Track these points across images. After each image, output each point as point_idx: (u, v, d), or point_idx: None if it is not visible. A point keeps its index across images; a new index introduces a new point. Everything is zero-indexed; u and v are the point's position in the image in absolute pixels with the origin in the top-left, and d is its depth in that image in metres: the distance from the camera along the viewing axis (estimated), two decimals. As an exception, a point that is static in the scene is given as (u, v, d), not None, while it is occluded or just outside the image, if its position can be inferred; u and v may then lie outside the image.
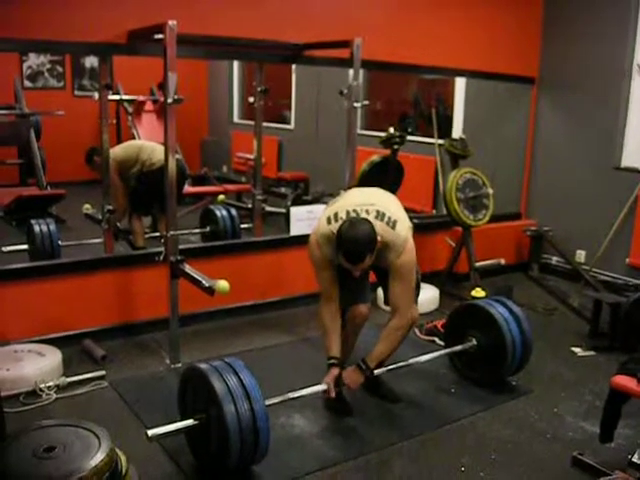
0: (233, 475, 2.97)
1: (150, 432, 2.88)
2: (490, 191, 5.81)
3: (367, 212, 3.37)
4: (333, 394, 3.40)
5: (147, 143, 6.11)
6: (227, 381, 2.85)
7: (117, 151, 5.86)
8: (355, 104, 4.79)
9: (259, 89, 5.59)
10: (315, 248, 3.42)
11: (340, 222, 3.32)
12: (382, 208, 3.40)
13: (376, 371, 3.63)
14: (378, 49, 5.17)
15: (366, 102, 5.01)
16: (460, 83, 7.03)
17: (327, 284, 3.48)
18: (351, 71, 4.73)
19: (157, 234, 6.04)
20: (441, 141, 6.64)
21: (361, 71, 4.81)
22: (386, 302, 3.73)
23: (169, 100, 3.83)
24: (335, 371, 3.42)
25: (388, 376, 3.84)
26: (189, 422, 2.97)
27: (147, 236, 6.12)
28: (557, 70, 6.47)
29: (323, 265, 3.44)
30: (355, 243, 3.18)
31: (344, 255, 3.21)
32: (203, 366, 2.96)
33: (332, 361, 3.44)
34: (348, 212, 3.38)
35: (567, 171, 6.49)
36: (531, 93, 6.66)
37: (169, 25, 3.73)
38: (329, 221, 3.40)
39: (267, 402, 2.98)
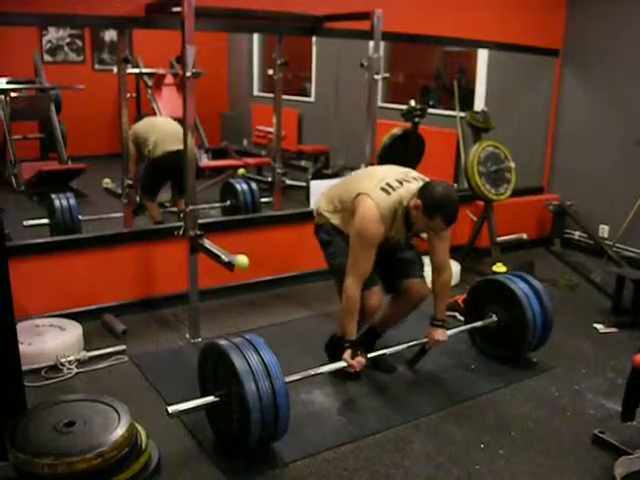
0: (253, 451, 2.98)
1: (170, 409, 2.88)
2: (512, 165, 5.73)
3: (414, 178, 3.42)
4: (358, 367, 3.37)
5: (164, 126, 6.04)
6: (248, 359, 2.84)
7: (139, 123, 6.09)
8: (375, 76, 4.73)
9: (278, 62, 5.55)
10: (377, 224, 3.28)
11: (399, 190, 3.32)
12: (418, 175, 3.48)
13: (396, 348, 3.67)
14: (399, 20, 5.07)
15: (386, 74, 4.96)
16: (483, 55, 6.91)
17: (370, 263, 3.35)
18: (371, 43, 4.66)
19: (175, 209, 6.06)
20: (463, 114, 6.55)
21: (382, 43, 4.74)
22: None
23: (187, 74, 3.80)
24: (350, 351, 3.39)
25: (407, 351, 3.83)
26: (209, 399, 2.98)
27: (166, 210, 6.15)
28: (582, 42, 6.34)
29: (376, 242, 3.33)
30: (456, 203, 3.23)
31: (445, 217, 3.19)
32: (224, 343, 2.96)
33: (348, 344, 3.40)
34: (399, 181, 3.38)
35: (591, 145, 6.39)
36: (555, 65, 6.55)
37: (187, -2, 3.69)
38: (387, 192, 3.32)
39: (287, 379, 2.98)
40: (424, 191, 3.24)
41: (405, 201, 3.30)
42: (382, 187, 3.34)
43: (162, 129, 5.95)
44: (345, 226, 3.52)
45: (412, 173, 3.50)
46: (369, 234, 3.30)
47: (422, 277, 3.73)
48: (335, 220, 3.59)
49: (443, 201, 3.17)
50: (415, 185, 3.34)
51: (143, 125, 6.09)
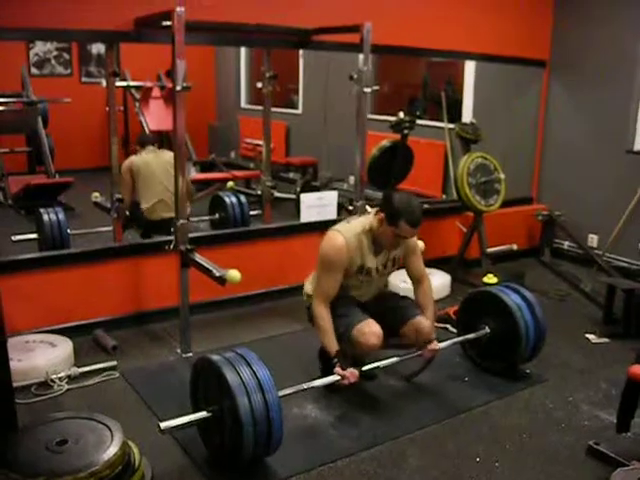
0: (246, 467, 2.95)
1: (162, 425, 2.85)
2: (502, 176, 5.74)
3: (370, 212, 3.70)
4: (353, 379, 3.36)
5: (162, 178, 5.60)
6: (240, 373, 2.82)
7: (137, 159, 5.70)
8: (365, 89, 4.72)
9: (267, 75, 5.54)
10: (340, 250, 3.46)
11: (359, 219, 3.65)
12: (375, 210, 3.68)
13: (388, 361, 3.63)
14: (388, 33, 5.08)
15: (376, 87, 4.96)
16: (470, 66, 6.97)
17: (335, 285, 3.51)
18: (361, 56, 4.66)
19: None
20: (451, 125, 6.58)
21: (370, 56, 4.75)
22: None
23: (178, 88, 3.79)
24: (340, 365, 3.40)
25: (399, 364, 3.81)
26: (202, 414, 2.95)
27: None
28: (569, 53, 6.38)
29: (339, 266, 3.48)
30: (417, 206, 3.42)
31: (409, 220, 3.35)
32: (216, 358, 2.93)
33: (335, 360, 3.41)
34: (359, 215, 3.87)
35: (579, 155, 6.41)
36: (542, 76, 6.58)
37: (177, 12, 3.68)
38: (348, 221, 3.63)
39: (280, 393, 2.95)
40: (383, 203, 3.46)
41: (367, 225, 3.53)
42: (343, 221, 3.66)
43: (161, 186, 5.59)
44: None
45: (370, 210, 3.88)
46: (331, 257, 3.48)
47: (422, 315, 3.70)
48: None
49: (404, 205, 3.36)
50: (372, 213, 3.57)
51: (143, 168, 5.63)
